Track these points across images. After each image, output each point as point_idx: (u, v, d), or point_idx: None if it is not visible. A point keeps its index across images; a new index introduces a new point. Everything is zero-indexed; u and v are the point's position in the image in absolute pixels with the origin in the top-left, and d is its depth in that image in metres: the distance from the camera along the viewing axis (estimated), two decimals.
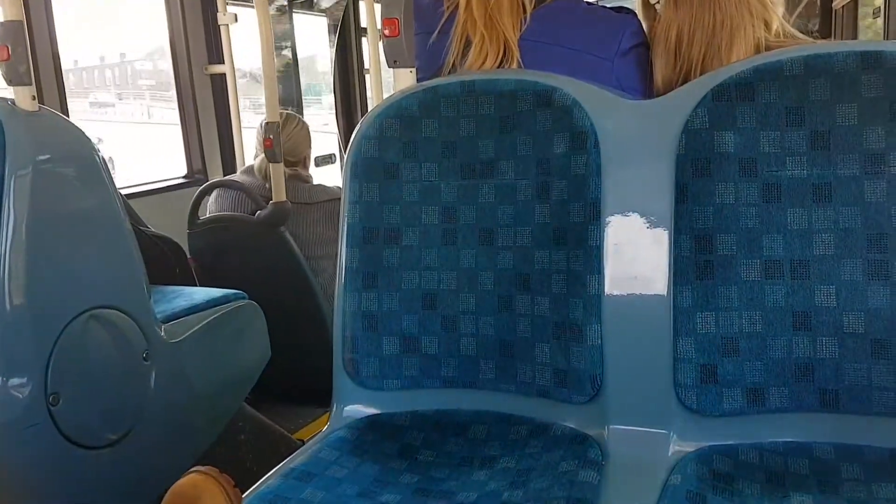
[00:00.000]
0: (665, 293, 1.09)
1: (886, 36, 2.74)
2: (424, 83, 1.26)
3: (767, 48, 1.18)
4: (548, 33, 1.25)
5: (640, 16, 1.33)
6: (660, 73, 1.24)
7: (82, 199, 1.61)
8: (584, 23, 1.27)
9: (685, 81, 1.18)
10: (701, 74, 1.17)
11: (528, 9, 1.25)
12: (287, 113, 3.02)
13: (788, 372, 1.04)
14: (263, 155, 2.79)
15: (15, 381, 1.43)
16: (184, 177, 3.54)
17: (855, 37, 3.78)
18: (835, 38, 3.77)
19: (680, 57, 1.20)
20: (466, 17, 1.25)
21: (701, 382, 1.06)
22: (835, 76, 1.03)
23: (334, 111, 4.62)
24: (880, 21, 3.30)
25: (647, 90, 1.31)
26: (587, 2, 1.34)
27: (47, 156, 1.56)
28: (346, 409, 1.24)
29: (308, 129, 3.07)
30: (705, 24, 1.18)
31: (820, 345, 1.03)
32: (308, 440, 1.22)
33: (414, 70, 1.31)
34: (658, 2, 1.23)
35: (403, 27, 1.28)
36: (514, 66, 1.23)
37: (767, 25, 1.20)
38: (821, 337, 1.03)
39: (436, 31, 1.31)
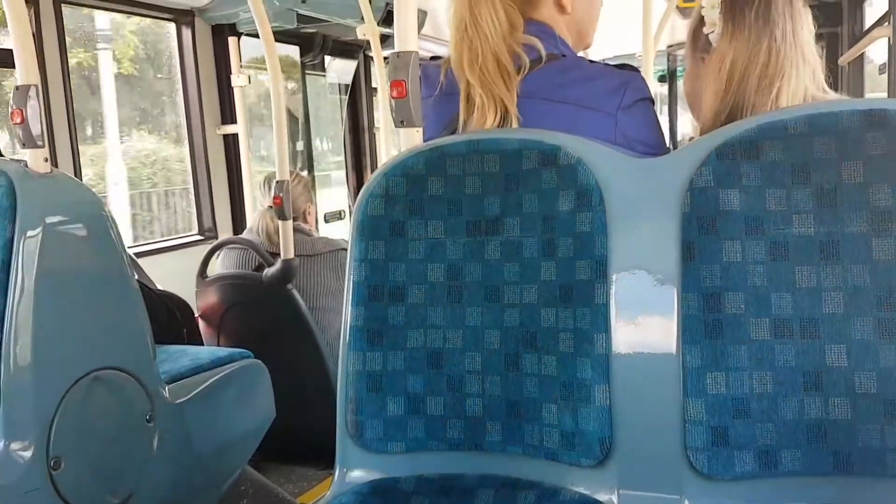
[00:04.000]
0: (674, 352, 1.07)
1: (891, 91, 2.76)
2: (430, 142, 1.27)
3: (813, 98, 1.18)
4: (549, 90, 1.26)
5: (689, 46, 1.32)
6: (709, 105, 1.22)
7: (90, 260, 1.62)
8: (586, 79, 1.28)
9: (731, 117, 1.17)
10: (751, 112, 1.16)
11: (516, 70, 1.26)
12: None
13: (801, 434, 1.02)
14: (262, 211, 2.83)
15: (16, 444, 1.41)
16: (195, 234, 3.57)
17: (861, 93, 3.81)
18: (841, 94, 3.80)
19: (730, 92, 1.19)
20: (466, 80, 1.27)
21: (712, 445, 1.03)
22: (840, 134, 1.02)
23: (344, 168, 4.68)
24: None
25: (660, 144, 1.31)
26: (590, 60, 1.35)
27: (57, 217, 1.58)
28: (349, 473, 1.22)
29: (306, 182, 3.11)
30: (759, 60, 1.17)
31: (832, 406, 1.01)
32: None
33: (420, 130, 1.32)
34: (712, 31, 1.22)
35: (410, 89, 1.30)
36: (515, 124, 1.24)
37: (814, 76, 1.20)
38: (833, 397, 1.01)
39: (437, 91, 1.33)
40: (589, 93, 1.26)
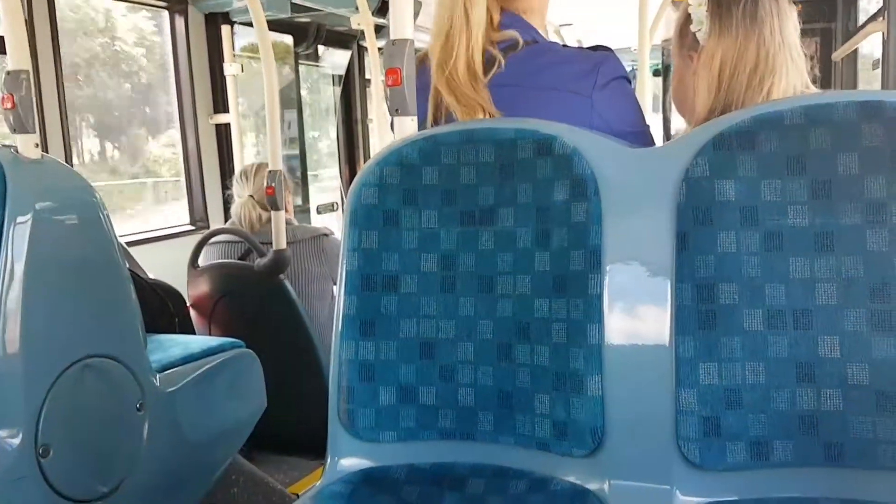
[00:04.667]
0: (667, 343, 1.07)
1: (885, 86, 2.77)
2: (425, 131, 1.26)
3: (803, 95, 1.19)
4: (522, 77, 1.26)
5: (675, 43, 1.32)
6: (702, 101, 1.23)
7: (81, 247, 1.60)
8: (559, 62, 1.28)
9: (725, 111, 1.18)
10: (743, 107, 1.17)
11: (490, 67, 1.26)
12: (262, 162, 3.05)
13: (792, 425, 1.02)
14: (242, 201, 2.82)
15: (4, 431, 1.40)
16: (186, 224, 3.55)
17: (855, 87, 3.82)
18: (835, 88, 3.81)
19: (721, 89, 1.20)
20: (436, 93, 1.28)
21: (704, 436, 1.03)
22: (835, 125, 1.02)
23: (337, 159, 4.67)
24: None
25: (638, 122, 1.31)
26: (563, 45, 1.36)
27: (48, 203, 1.56)
28: (340, 462, 1.21)
29: (284, 173, 3.10)
30: (748, 58, 1.19)
31: (824, 397, 1.01)
32: (302, 494, 1.19)
33: (415, 119, 1.32)
34: (699, 30, 1.22)
35: (405, 77, 1.29)
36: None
37: (801, 78, 1.22)
38: (825, 389, 1.01)
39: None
40: (563, 76, 1.26)
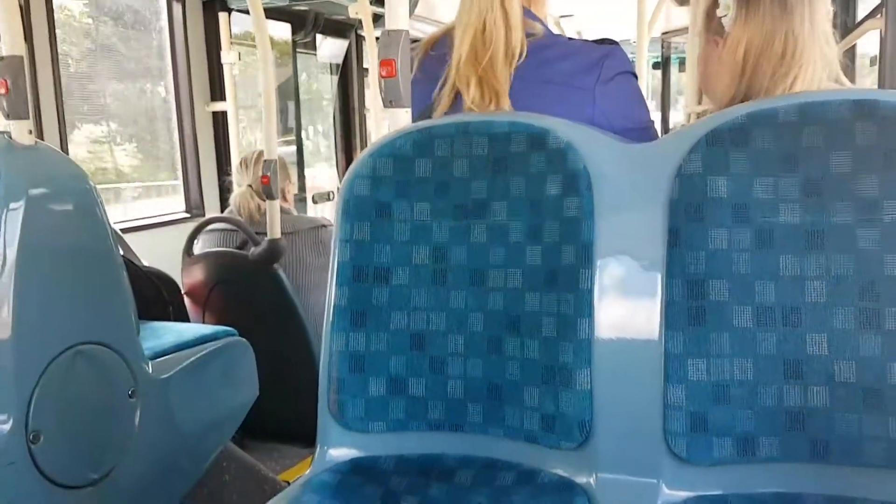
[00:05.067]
0: (656, 339, 1.07)
1: (882, 84, 2.77)
2: (419, 123, 1.26)
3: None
4: (527, 70, 1.25)
5: (701, 27, 1.28)
6: (725, 88, 1.20)
7: (74, 234, 1.60)
8: (564, 56, 1.27)
9: (746, 100, 1.15)
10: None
11: (517, 60, 1.25)
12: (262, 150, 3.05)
13: (779, 421, 1.02)
14: (241, 191, 2.81)
15: None
16: (182, 212, 3.55)
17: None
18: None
19: (745, 78, 1.17)
20: (457, 75, 1.25)
21: (691, 430, 1.04)
22: (829, 124, 1.02)
23: (333, 149, 4.66)
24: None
25: (641, 119, 1.30)
26: (568, 38, 1.35)
27: (41, 190, 1.56)
28: (329, 451, 1.22)
29: (284, 162, 3.10)
30: (775, 46, 1.14)
31: (811, 394, 1.02)
32: (293, 482, 1.19)
33: (409, 110, 1.32)
34: (725, 15, 1.18)
35: (400, 68, 1.29)
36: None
37: (830, 69, 1.17)
38: (812, 386, 1.02)
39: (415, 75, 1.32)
40: (567, 70, 1.25)
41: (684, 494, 1.04)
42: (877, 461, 0.99)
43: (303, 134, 4.53)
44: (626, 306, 1.10)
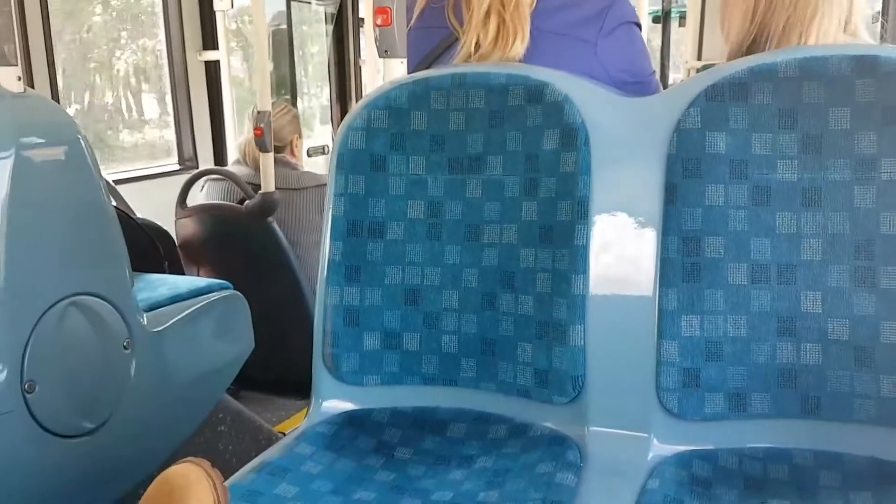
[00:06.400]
0: (650, 295, 1.07)
1: (883, 39, 2.73)
2: (415, 75, 1.24)
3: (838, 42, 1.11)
4: (533, 19, 1.23)
5: None
6: (735, 31, 1.17)
7: (65, 184, 1.58)
8: (568, 5, 1.25)
9: (752, 48, 1.12)
10: (777, 47, 1.10)
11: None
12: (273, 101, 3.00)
13: (771, 378, 1.03)
14: (249, 138, 2.78)
15: None
16: (174, 164, 3.52)
17: None
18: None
19: (755, 20, 1.13)
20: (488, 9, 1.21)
21: (683, 386, 1.05)
22: (829, 79, 1.01)
23: (329, 101, 4.60)
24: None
25: (643, 71, 1.28)
26: None
27: (31, 139, 1.53)
28: (324, 403, 1.23)
29: (295, 114, 3.05)
30: None
31: (804, 351, 1.02)
32: (288, 433, 1.21)
33: (405, 61, 1.29)
34: None
35: (396, 17, 1.26)
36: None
37: (848, 22, 1.13)
38: (805, 343, 1.02)
39: (414, 23, 1.29)
40: (571, 21, 1.23)
41: (675, 448, 1.06)
42: (866, 418, 1.01)
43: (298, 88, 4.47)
44: (620, 262, 1.10)
